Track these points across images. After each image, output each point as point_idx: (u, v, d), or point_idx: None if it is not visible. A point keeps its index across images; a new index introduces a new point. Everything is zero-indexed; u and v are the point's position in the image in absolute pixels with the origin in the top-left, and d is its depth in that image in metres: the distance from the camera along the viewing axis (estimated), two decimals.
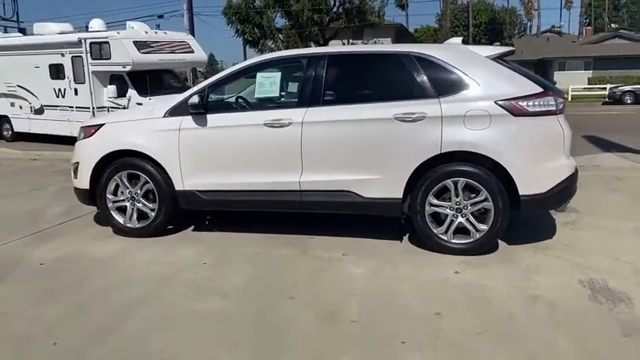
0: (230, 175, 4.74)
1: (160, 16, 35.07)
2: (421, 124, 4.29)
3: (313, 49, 4.86)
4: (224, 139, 4.72)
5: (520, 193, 4.20)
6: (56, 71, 13.70)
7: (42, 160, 10.42)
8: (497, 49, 4.56)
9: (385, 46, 4.76)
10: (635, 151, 9.24)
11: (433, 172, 4.33)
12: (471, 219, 4.34)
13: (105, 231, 5.25)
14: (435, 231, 4.41)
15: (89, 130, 5.15)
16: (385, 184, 4.43)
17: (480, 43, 53.36)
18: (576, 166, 4.51)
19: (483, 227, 4.32)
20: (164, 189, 4.87)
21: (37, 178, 8.33)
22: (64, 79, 13.60)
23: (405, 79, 4.45)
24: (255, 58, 4.87)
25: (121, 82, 12.96)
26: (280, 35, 36.28)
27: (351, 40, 39.76)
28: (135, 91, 12.74)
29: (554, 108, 4.25)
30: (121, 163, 4.96)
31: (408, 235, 4.83)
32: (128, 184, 4.98)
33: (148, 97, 12.61)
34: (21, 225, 5.53)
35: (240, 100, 5.06)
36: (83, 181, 5.12)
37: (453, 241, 4.39)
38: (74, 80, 13.42)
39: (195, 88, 4.89)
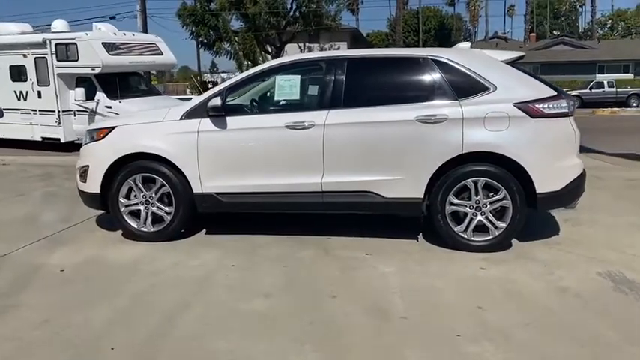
0: (250, 177, 4.74)
1: (112, 17, 34.12)
2: (443, 126, 4.44)
3: (332, 53, 4.91)
4: (245, 141, 4.73)
5: (537, 191, 4.41)
6: (18, 73, 13.18)
7: (12, 166, 9.99)
8: (510, 54, 4.77)
9: (404, 49, 4.90)
10: (601, 152, 9.76)
11: (454, 172, 4.49)
12: (490, 217, 4.52)
13: (112, 235, 5.17)
14: (455, 229, 4.56)
15: (99, 133, 5.03)
16: (406, 185, 4.55)
17: (430, 46, 54.78)
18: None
19: (502, 225, 4.51)
20: (181, 192, 4.82)
21: (15, 184, 8.00)
22: (26, 81, 13.10)
23: (425, 81, 4.60)
24: (274, 61, 4.91)
25: (89, 84, 12.59)
26: (236, 38, 35.96)
27: (307, 44, 40.05)
28: (104, 94, 12.41)
29: (566, 110, 4.49)
30: (136, 166, 4.88)
31: (421, 233, 4.97)
32: (142, 188, 4.89)
33: (117, 100, 12.34)
34: (23, 232, 5.34)
35: (259, 102, 5.07)
36: (93, 185, 4.99)
37: (473, 238, 4.56)
38: (37, 82, 12.93)
39: (212, 91, 4.88)
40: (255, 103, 5.05)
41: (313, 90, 4.84)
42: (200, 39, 37.12)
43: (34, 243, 4.98)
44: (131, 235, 5.01)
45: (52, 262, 4.46)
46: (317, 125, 4.58)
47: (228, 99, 4.78)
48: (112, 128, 4.99)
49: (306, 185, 4.68)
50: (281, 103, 4.90)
